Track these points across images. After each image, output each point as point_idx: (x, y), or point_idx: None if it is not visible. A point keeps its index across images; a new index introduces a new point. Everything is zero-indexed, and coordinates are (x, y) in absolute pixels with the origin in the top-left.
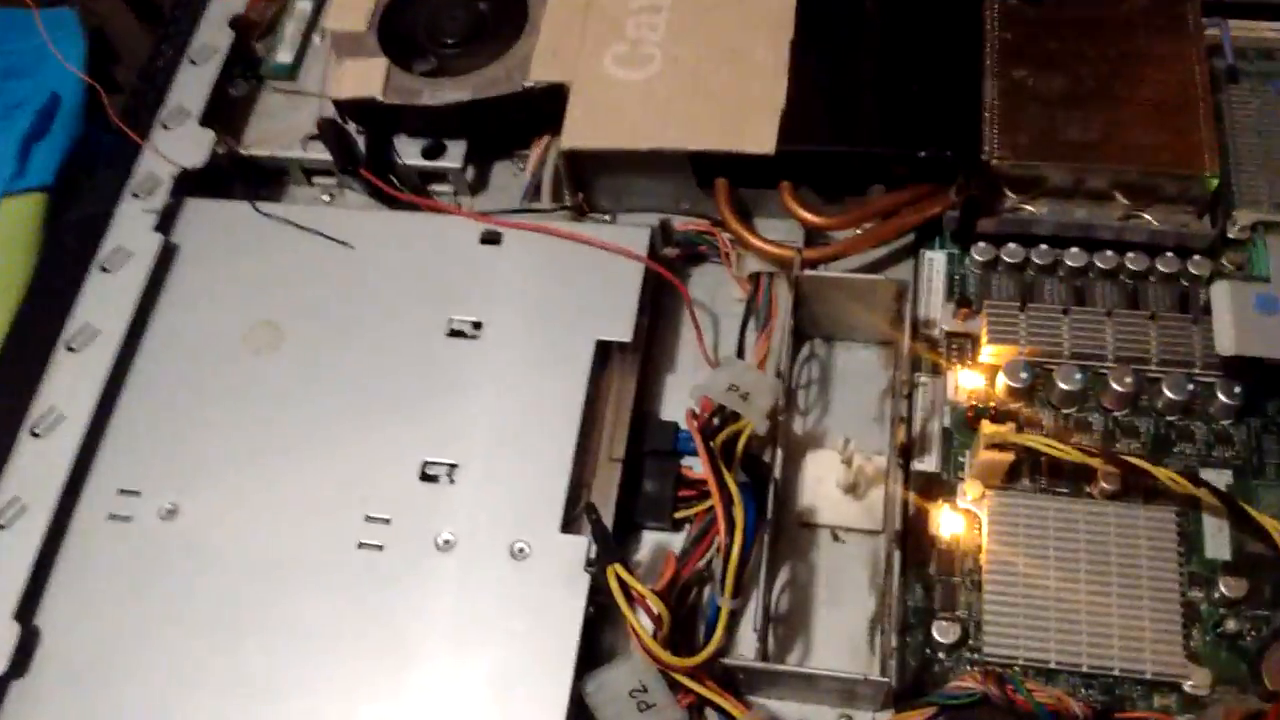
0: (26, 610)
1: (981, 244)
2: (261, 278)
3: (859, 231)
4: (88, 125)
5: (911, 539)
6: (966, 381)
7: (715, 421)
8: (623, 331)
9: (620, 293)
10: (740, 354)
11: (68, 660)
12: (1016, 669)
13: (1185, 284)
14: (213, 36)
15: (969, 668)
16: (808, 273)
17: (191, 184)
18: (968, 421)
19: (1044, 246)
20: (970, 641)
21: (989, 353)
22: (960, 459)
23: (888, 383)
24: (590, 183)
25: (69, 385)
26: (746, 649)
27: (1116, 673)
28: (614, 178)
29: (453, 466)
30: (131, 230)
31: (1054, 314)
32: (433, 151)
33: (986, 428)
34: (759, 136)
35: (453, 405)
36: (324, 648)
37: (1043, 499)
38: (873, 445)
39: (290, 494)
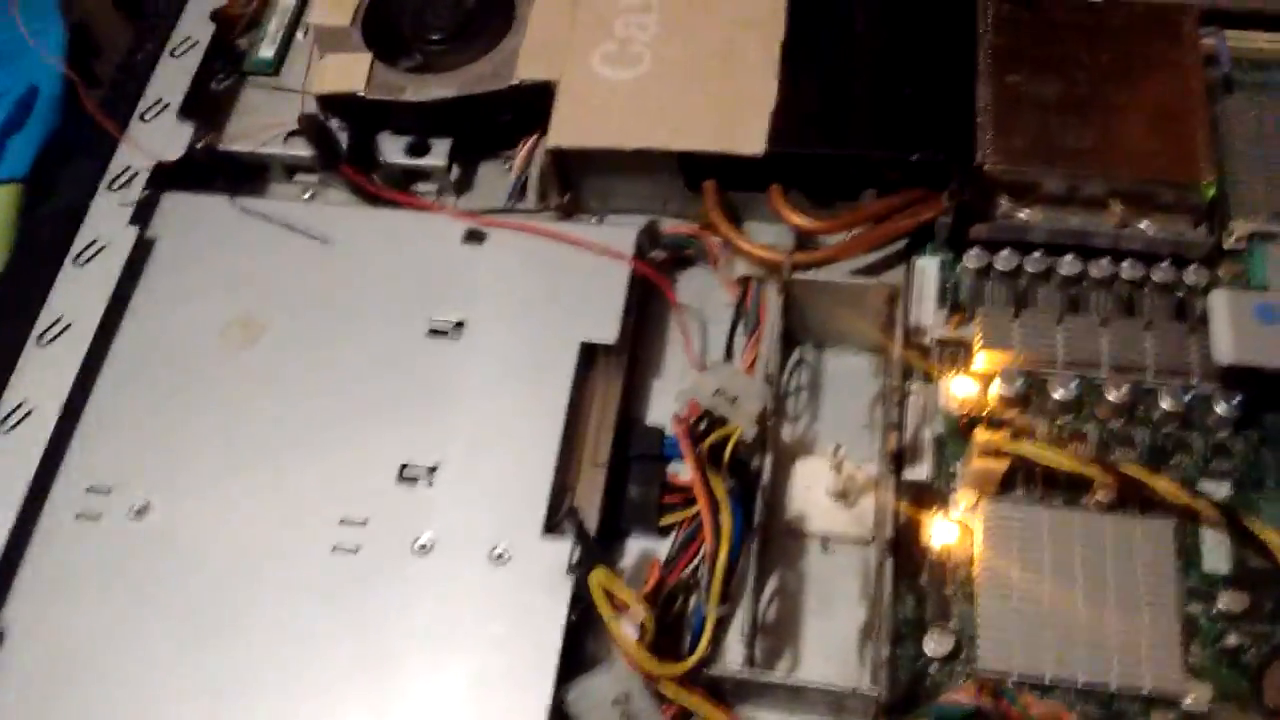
0: None
1: (974, 250)
2: (239, 274)
3: (850, 236)
4: (66, 117)
5: (903, 548)
6: (959, 389)
7: (702, 426)
8: (608, 333)
9: (605, 294)
10: (729, 359)
11: (34, 661)
12: (1011, 683)
13: (1181, 294)
14: (193, 29)
15: (962, 681)
16: (798, 277)
17: (170, 178)
18: (960, 430)
19: (1038, 254)
20: (963, 654)
21: (982, 360)
22: (952, 469)
23: (879, 389)
24: (577, 183)
25: (39, 380)
26: (733, 659)
27: (1114, 688)
28: (601, 178)
29: (432, 468)
30: (107, 223)
31: (1048, 322)
32: (417, 149)
33: (980, 434)
34: (749, 138)
35: (433, 405)
36: (298, 651)
37: (1038, 509)
38: (863, 453)
39: (265, 493)
